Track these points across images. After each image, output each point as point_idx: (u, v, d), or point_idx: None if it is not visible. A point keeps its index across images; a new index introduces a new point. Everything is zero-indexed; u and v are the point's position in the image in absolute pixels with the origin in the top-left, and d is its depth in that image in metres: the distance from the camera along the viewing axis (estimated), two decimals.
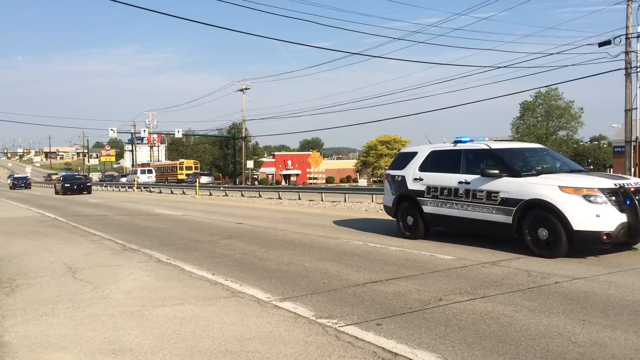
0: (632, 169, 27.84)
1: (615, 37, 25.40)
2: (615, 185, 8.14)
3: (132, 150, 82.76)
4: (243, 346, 4.56)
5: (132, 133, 73.79)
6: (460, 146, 10.27)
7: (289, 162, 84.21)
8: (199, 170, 63.27)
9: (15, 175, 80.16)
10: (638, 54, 25.90)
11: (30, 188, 64.15)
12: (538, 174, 9.05)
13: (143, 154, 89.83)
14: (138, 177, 55.45)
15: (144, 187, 46.55)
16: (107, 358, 4.41)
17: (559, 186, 8.23)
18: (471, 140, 10.34)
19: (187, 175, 60.75)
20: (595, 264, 7.77)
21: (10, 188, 66.36)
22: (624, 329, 4.77)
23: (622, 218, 7.84)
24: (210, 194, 35.49)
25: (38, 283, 7.44)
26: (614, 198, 7.96)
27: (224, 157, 75.33)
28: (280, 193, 29.63)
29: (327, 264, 8.21)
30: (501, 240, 9.64)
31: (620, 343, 4.43)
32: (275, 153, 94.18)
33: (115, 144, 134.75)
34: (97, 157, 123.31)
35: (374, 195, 22.83)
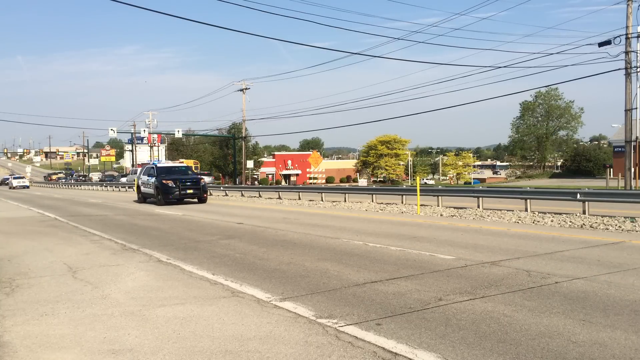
0: (632, 169, 27.84)
1: (615, 37, 25.42)
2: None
3: (132, 150, 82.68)
4: (243, 346, 4.56)
5: (132, 133, 73.80)
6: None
7: (289, 162, 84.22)
8: (199, 170, 63.23)
9: (162, 164, 27.17)
10: (638, 54, 25.90)
11: (205, 201, 24.76)
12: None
13: (143, 154, 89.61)
14: None
15: None
16: (107, 358, 4.41)
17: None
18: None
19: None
20: (595, 264, 7.78)
21: (158, 198, 23.73)
22: (624, 329, 4.77)
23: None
24: (210, 194, 35.43)
25: (38, 283, 7.44)
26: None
27: (224, 157, 75.35)
28: (280, 193, 29.62)
29: (327, 264, 8.21)
30: (501, 239, 9.59)
31: (620, 343, 4.43)
32: (275, 153, 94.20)
33: (115, 144, 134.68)
34: (97, 157, 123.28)
35: (374, 195, 22.82)
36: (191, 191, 23.92)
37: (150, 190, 24.83)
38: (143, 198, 26.20)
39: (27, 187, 63.91)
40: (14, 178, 68.87)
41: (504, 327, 4.89)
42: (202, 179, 25.83)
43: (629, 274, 7.05)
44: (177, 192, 23.44)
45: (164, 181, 23.64)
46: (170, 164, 30.26)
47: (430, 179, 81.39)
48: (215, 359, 4.30)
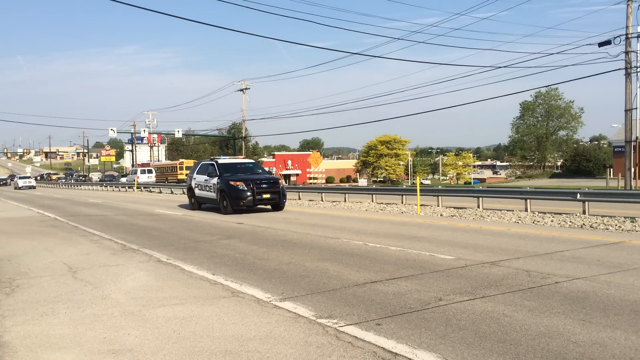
0: (632, 169, 27.85)
1: (615, 37, 25.45)
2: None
3: (132, 150, 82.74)
4: (243, 346, 4.56)
5: (132, 133, 73.84)
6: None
7: (289, 162, 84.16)
8: None
9: (225, 160, 21.31)
10: (638, 54, 25.91)
11: (282, 209, 19.26)
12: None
13: (143, 154, 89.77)
14: (138, 177, 55.38)
15: (144, 187, 46.50)
16: (107, 358, 4.41)
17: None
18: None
19: (187, 175, 60.49)
20: (595, 264, 7.78)
21: (222, 204, 18.33)
22: (624, 329, 4.77)
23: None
24: None
25: (38, 283, 7.44)
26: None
27: None
28: None
29: (327, 264, 8.21)
30: (501, 239, 9.60)
31: (620, 343, 4.43)
32: (275, 153, 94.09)
33: (115, 144, 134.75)
34: (97, 157, 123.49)
35: (374, 195, 22.82)
36: (268, 196, 18.33)
37: (211, 195, 19.37)
38: (197, 204, 20.83)
39: (34, 187, 61.25)
40: (20, 178, 65.02)
41: (504, 327, 4.89)
42: (280, 179, 20.45)
43: (629, 274, 7.05)
44: (251, 197, 17.84)
45: (231, 182, 18.16)
46: (234, 160, 22.95)
47: (426, 179, 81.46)
48: (215, 359, 4.30)
